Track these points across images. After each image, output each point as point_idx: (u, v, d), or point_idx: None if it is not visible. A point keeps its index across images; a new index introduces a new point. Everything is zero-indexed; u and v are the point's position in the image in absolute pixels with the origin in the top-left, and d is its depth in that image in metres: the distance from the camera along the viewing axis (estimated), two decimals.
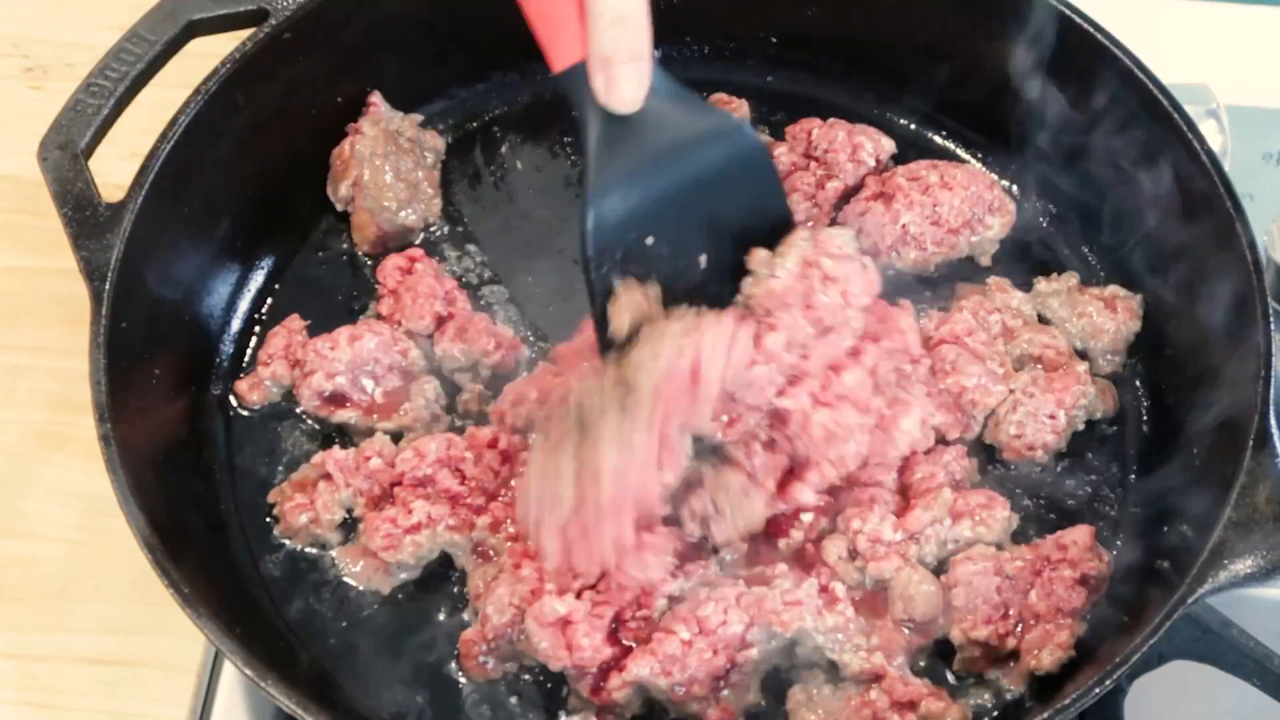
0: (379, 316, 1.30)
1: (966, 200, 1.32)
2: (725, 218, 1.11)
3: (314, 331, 1.28)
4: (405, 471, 1.19)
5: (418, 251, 1.32)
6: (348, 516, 1.20)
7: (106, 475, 1.09)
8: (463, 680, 1.14)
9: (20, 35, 1.57)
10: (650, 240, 1.09)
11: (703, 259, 1.11)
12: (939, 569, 1.16)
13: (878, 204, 1.33)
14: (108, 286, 1.15)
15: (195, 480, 1.22)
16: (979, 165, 1.41)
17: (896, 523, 1.15)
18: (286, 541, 1.21)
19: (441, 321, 1.28)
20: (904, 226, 1.31)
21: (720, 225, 1.11)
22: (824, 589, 1.13)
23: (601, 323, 1.09)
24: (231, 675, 1.22)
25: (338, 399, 1.24)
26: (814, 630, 1.11)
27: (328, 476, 1.20)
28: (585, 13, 1.02)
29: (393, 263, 1.31)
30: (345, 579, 1.19)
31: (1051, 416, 1.22)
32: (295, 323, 1.29)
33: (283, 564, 1.20)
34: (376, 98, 1.38)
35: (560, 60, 1.05)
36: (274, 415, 1.27)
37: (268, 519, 1.22)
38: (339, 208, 1.36)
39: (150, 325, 1.20)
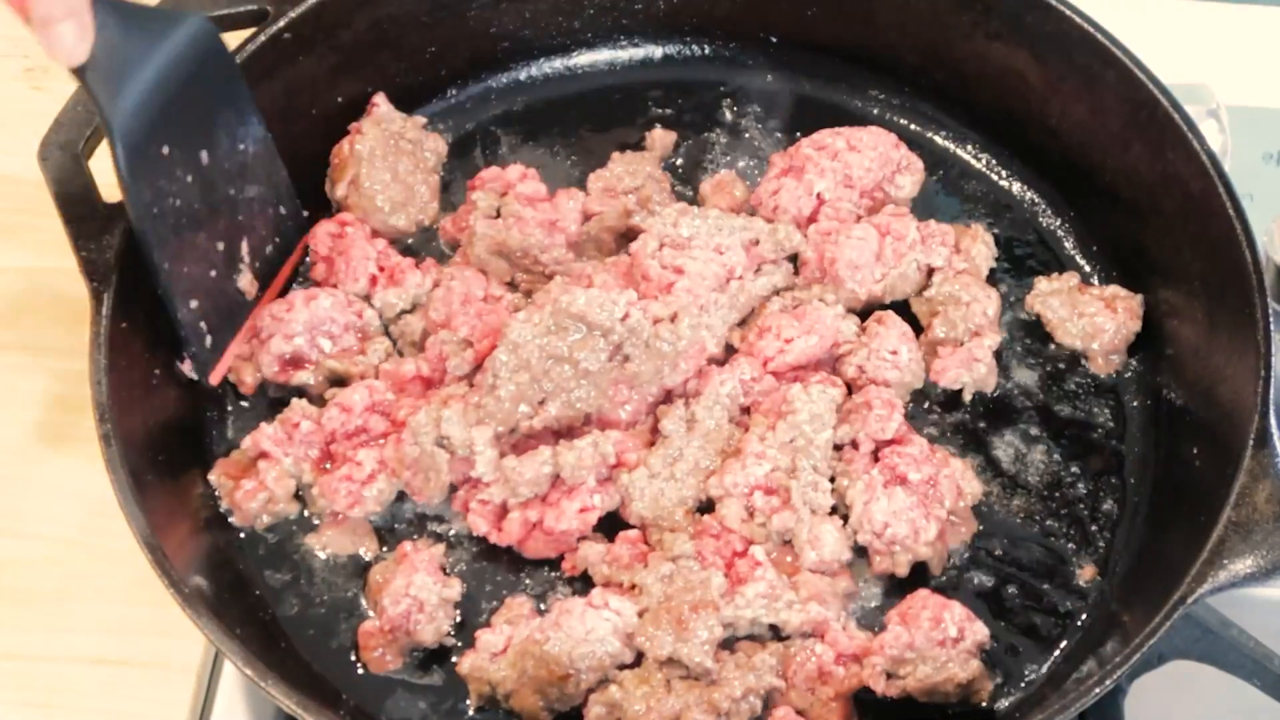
0: (315, 284, 1.31)
1: (876, 160, 1.33)
2: (205, 110, 1.19)
3: None
4: (336, 429, 1.21)
5: (348, 216, 1.33)
6: (298, 484, 1.21)
7: (106, 475, 1.09)
8: (466, 686, 1.14)
9: (20, 35, 1.53)
10: (166, 150, 1.15)
11: (204, 155, 1.19)
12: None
13: (788, 179, 1.33)
14: (108, 286, 1.15)
15: (195, 480, 1.22)
16: (980, 165, 1.42)
17: (759, 449, 1.18)
18: (262, 533, 1.21)
19: (374, 280, 1.30)
20: (819, 195, 1.31)
21: (204, 119, 1.19)
22: (740, 554, 1.15)
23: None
24: (231, 675, 1.22)
25: (296, 361, 1.25)
26: (744, 609, 1.12)
27: (265, 454, 1.21)
28: None
29: (324, 229, 1.32)
30: (323, 554, 1.19)
31: (894, 352, 1.23)
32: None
33: (283, 564, 1.20)
34: (380, 98, 1.38)
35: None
36: (274, 414, 1.27)
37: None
38: (335, 207, 1.36)
39: (150, 325, 1.20)
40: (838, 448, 1.21)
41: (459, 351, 1.23)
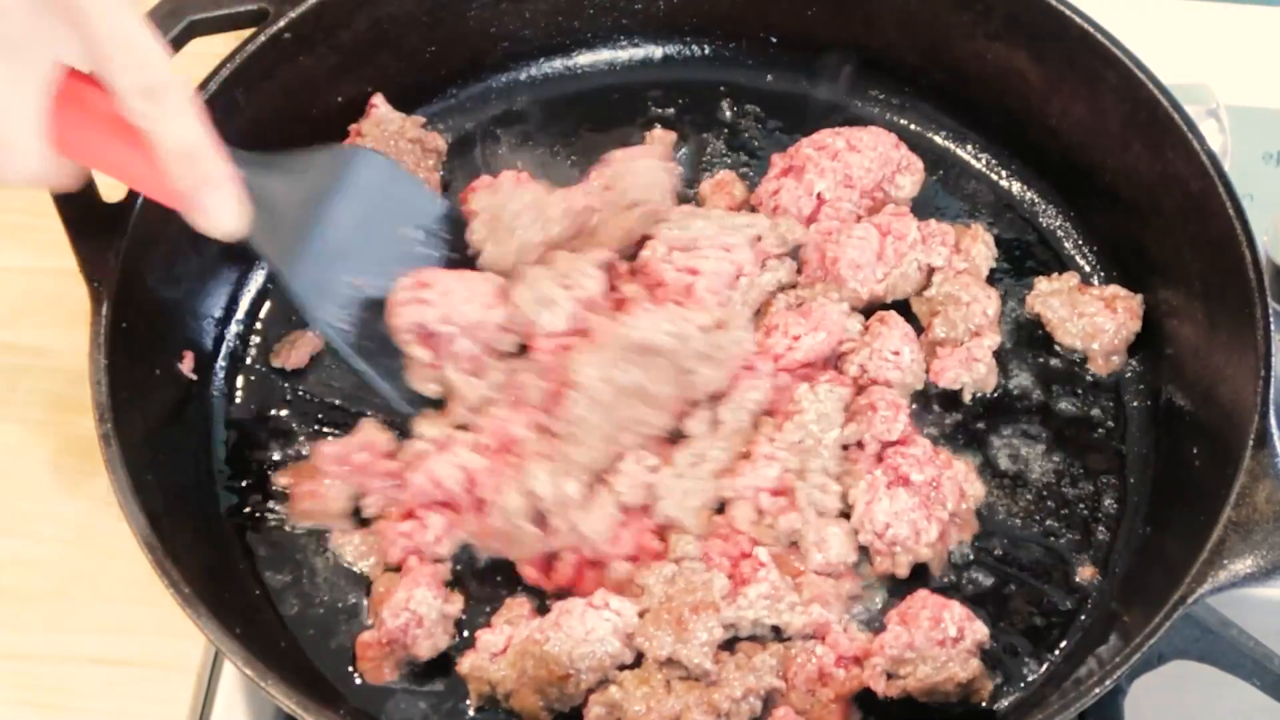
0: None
1: (876, 160, 1.33)
2: (393, 230, 1.20)
3: None
4: (419, 498, 1.17)
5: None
6: (356, 505, 1.20)
7: (106, 475, 1.09)
8: (466, 686, 1.14)
9: None
10: (352, 279, 1.17)
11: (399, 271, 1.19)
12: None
13: (788, 179, 1.33)
14: (108, 286, 1.15)
15: (196, 480, 1.22)
16: (980, 165, 1.42)
17: (768, 450, 1.18)
18: (291, 527, 1.21)
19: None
20: (819, 195, 1.32)
21: (393, 237, 1.20)
22: (745, 555, 1.15)
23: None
24: (231, 675, 1.22)
25: (433, 344, 1.19)
26: (746, 609, 1.12)
27: (322, 470, 1.20)
28: (154, 158, 1.02)
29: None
30: (344, 561, 1.19)
31: (896, 353, 1.23)
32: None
33: (284, 564, 1.20)
34: (378, 99, 1.38)
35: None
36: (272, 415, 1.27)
37: (268, 517, 1.22)
38: None
39: (150, 325, 1.20)
40: (844, 448, 1.21)
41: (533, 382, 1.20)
